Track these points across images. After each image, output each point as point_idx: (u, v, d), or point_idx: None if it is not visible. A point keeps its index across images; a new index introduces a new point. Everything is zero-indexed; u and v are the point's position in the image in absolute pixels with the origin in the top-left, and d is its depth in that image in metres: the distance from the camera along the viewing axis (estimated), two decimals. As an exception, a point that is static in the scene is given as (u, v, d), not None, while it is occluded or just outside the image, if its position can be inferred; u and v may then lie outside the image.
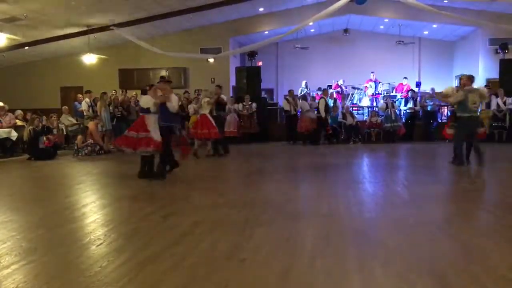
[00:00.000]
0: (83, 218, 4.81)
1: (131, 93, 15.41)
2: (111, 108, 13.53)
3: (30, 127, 11.42)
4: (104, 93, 13.82)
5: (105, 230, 4.22)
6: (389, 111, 15.17)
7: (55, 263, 3.32)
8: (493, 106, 14.23)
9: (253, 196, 5.92)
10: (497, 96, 14.35)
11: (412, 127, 15.66)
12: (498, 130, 14.30)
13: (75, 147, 11.97)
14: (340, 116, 15.68)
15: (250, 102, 15.58)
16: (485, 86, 15.34)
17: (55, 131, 13.09)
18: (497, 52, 16.49)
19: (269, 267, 3.15)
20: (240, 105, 15.55)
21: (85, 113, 13.68)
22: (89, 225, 4.49)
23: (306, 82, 18.18)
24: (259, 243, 3.74)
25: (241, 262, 3.26)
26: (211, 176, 7.86)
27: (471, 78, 8.51)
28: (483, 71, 17.04)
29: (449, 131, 8.78)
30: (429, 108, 15.49)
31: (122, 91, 15.54)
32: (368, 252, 3.45)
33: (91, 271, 3.09)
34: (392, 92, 17.99)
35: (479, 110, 14.39)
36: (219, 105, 11.12)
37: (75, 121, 14.43)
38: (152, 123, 7.19)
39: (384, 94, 17.90)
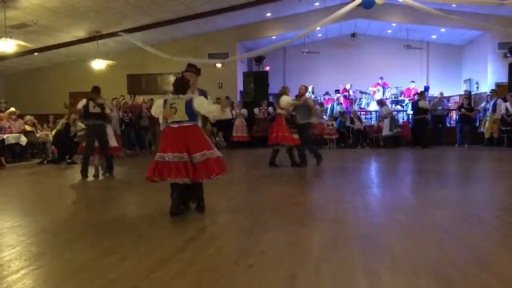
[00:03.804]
0: (91, 222, 4.82)
1: (139, 98, 15.49)
2: (120, 113, 13.62)
3: (64, 120, 11.49)
4: (114, 98, 13.90)
5: (113, 235, 4.23)
6: (394, 116, 15.14)
7: (64, 268, 3.33)
8: (502, 111, 14.15)
9: (260, 201, 5.92)
10: (505, 101, 14.26)
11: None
12: (507, 134, 14.20)
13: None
14: (348, 121, 15.70)
15: (266, 107, 15.64)
16: (492, 90, 15.32)
17: None
18: (505, 56, 16.42)
19: (276, 272, 3.15)
20: (257, 109, 15.59)
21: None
22: (97, 229, 4.51)
23: (312, 87, 18.20)
24: (266, 248, 3.74)
25: (248, 267, 3.26)
26: (218, 181, 7.85)
27: (306, 88, 10.08)
28: (492, 75, 16.95)
29: (293, 136, 9.17)
30: (437, 112, 15.43)
31: (131, 97, 15.64)
32: (375, 257, 3.44)
33: (99, 276, 3.10)
34: (400, 96, 17.97)
35: (489, 114, 14.52)
36: None
37: (83, 126, 14.49)
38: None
39: (392, 98, 17.90)
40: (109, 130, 9.12)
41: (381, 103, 15.74)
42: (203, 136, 4.95)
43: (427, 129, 15.08)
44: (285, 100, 9.36)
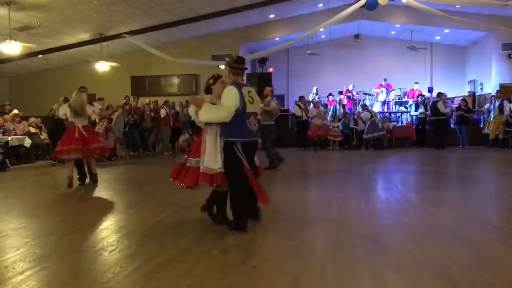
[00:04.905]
0: (95, 224, 4.84)
1: (144, 100, 15.52)
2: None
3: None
4: (126, 103, 13.87)
5: (118, 236, 4.25)
6: (375, 120, 15.09)
7: (68, 269, 3.35)
8: (506, 112, 14.09)
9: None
10: (510, 102, 14.20)
11: (423, 132, 15.57)
12: (510, 135, 14.14)
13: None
14: (351, 122, 15.70)
15: None
16: (498, 91, 15.25)
17: None
18: (510, 57, 16.38)
19: (280, 274, 3.15)
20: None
21: (97, 120, 13.78)
22: (102, 231, 4.53)
23: (316, 88, 18.19)
24: (270, 249, 3.74)
25: (252, 268, 3.26)
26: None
27: (273, 90, 9.96)
28: (496, 76, 16.90)
29: None
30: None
31: (134, 98, 15.68)
32: (379, 258, 3.44)
33: (104, 278, 3.12)
34: (404, 97, 17.94)
35: (493, 116, 14.47)
36: None
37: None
38: (212, 142, 4.40)
39: (395, 99, 17.88)
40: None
41: (364, 107, 15.81)
42: (195, 143, 4.60)
43: (447, 131, 15.02)
44: None
